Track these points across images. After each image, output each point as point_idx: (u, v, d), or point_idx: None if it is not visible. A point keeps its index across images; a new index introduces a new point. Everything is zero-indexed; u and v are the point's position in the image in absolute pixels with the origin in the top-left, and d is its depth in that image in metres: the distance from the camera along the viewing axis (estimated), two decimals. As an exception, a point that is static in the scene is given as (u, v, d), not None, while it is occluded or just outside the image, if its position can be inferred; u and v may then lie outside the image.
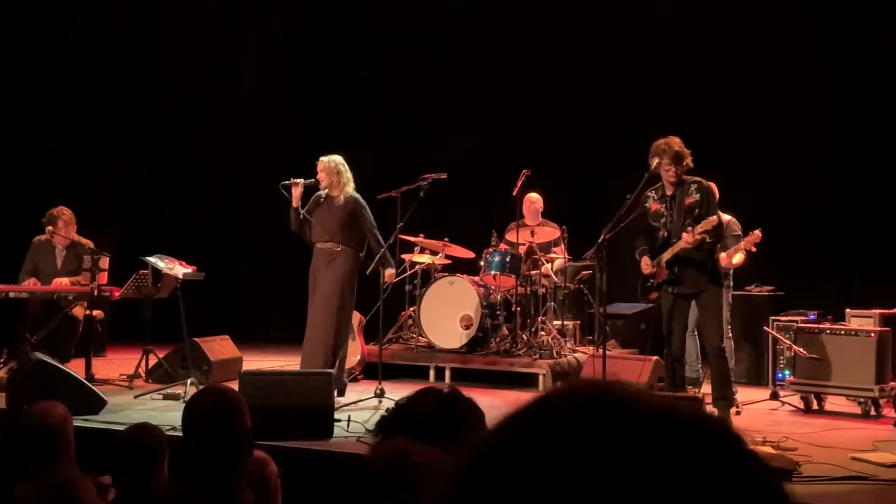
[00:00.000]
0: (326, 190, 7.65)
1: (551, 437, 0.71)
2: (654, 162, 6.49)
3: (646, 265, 6.54)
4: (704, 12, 10.28)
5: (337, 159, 7.67)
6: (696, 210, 6.38)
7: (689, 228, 6.27)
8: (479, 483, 0.72)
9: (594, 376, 6.85)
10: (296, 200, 7.63)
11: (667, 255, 6.46)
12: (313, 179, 7.65)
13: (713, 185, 6.98)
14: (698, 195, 6.42)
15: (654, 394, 0.77)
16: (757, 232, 7.47)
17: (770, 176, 9.74)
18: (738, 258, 7.76)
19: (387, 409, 2.28)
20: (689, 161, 6.43)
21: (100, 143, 11.93)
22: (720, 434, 0.73)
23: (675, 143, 6.41)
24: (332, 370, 6.85)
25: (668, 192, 6.52)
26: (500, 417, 0.78)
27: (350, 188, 7.64)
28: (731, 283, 8.17)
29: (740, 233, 7.80)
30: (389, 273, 7.68)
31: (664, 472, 0.68)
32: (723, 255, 7.55)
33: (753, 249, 7.61)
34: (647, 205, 6.61)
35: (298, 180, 7.62)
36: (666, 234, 6.52)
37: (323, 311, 7.50)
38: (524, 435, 0.74)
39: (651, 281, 6.60)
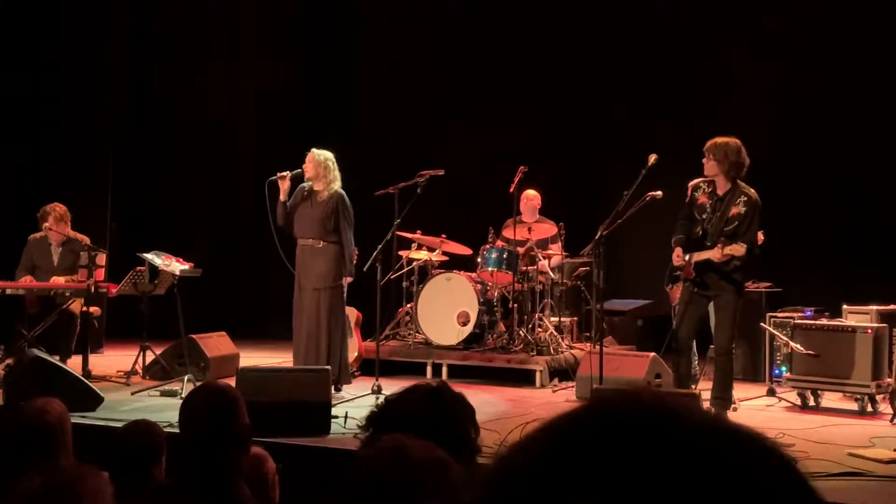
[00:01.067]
0: (311, 183, 7.61)
1: (607, 446, 0.71)
2: (652, 158, 6.49)
3: (677, 256, 6.41)
4: (705, 8, 10.27)
5: (327, 154, 7.62)
6: (737, 223, 6.27)
7: (721, 243, 6.16)
8: (531, 486, 0.72)
9: (590, 374, 6.86)
10: (283, 194, 7.59)
11: (697, 258, 6.34)
12: (299, 170, 7.60)
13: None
14: (744, 209, 6.29)
15: (694, 406, 0.78)
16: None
17: (766, 172, 9.72)
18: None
19: (376, 405, 2.28)
20: (743, 166, 6.30)
21: (96, 138, 11.90)
22: (762, 444, 0.74)
23: (718, 148, 6.29)
24: (327, 367, 6.84)
25: (720, 192, 6.38)
26: (543, 425, 0.78)
27: (336, 185, 7.58)
28: None
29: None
30: (346, 281, 7.54)
31: (715, 481, 0.69)
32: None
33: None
34: (697, 194, 6.46)
35: (285, 173, 7.57)
36: (702, 232, 6.40)
37: (314, 310, 7.48)
38: (577, 443, 0.73)
39: (679, 272, 6.54)
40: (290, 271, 7.62)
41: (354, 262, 7.62)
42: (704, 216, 6.40)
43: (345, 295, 7.64)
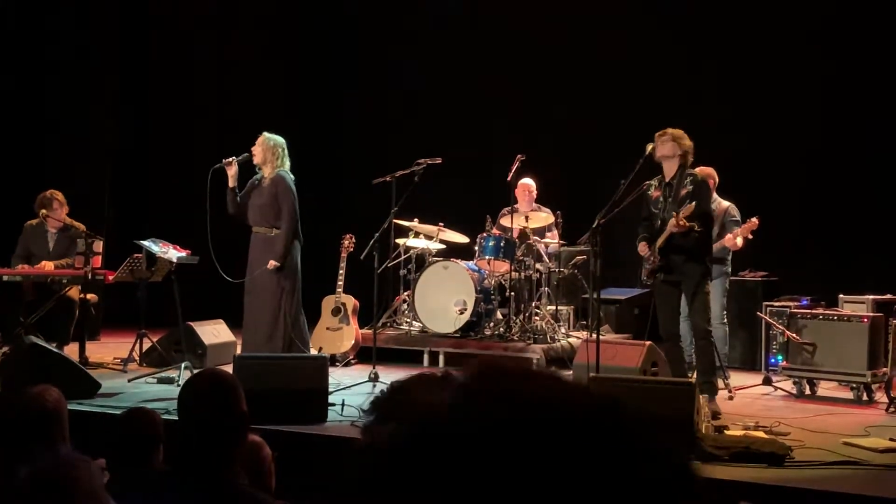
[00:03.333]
0: (262, 172, 7.46)
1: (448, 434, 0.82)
2: (649, 147, 6.58)
3: (643, 248, 6.72)
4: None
5: (277, 139, 7.46)
6: (688, 200, 6.50)
7: (675, 213, 6.39)
8: (389, 468, 0.83)
9: (587, 362, 6.87)
10: (232, 180, 7.42)
11: (659, 242, 6.58)
12: (246, 154, 7.44)
13: (712, 172, 7.12)
14: (692, 186, 6.57)
15: (544, 376, 0.82)
16: (754, 219, 7.52)
17: (763, 161, 9.74)
18: (739, 240, 7.82)
19: (380, 391, 2.28)
20: (690, 154, 6.61)
21: (92, 125, 11.88)
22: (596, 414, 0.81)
23: (677, 135, 6.58)
24: (325, 355, 6.84)
25: (667, 179, 6.67)
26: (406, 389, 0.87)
27: (282, 170, 7.35)
28: (730, 270, 8.20)
29: (738, 217, 7.85)
30: (270, 264, 7.24)
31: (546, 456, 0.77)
32: (728, 236, 7.62)
33: (750, 236, 7.65)
34: (650, 192, 6.74)
35: (230, 159, 7.40)
36: (660, 222, 6.66)
37: (260, 297, 7.29)
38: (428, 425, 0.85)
39: (650, 265, 6.68)
40: (237, 265, 7.44)
41: (288, 250, 7.30)
42: (659, 206, 6.67)
43: (296, 277, 7.37)
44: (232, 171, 7.42)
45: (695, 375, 6.72)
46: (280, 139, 7.50)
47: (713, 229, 7.07)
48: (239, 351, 7.56)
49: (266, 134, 7.51)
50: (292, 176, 7.44)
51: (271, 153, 7.40)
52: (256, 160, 7.45)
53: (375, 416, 2.17)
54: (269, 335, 7.26)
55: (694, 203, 6.38)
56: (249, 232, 7.55)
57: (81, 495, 2.03)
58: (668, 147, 6.58)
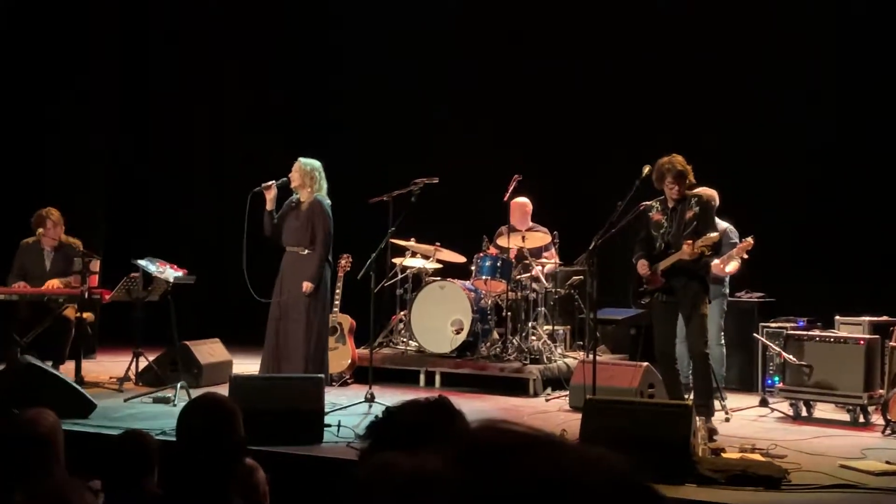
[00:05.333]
0: (298, 194, 7.68)
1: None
2: (646, 169, 6.59)
3: (643, 266, 6.67)
4: (698, 18, 10.30)
5: (314, 164, 7.70)
6: (695, 223, 6.52)
7: (690, 241, 6.39)
8: None
9: (584, 383, 6.86)
10: (270, 203, 7.65)
11: (664, 264, 6.55)
12: (284, 178, 7.66)
13: (715, 195, 7.15)
14: (697, 208, 6.58)
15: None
16: (749, 239, 7.53)
17: (760, 182, 9.76)
18: (731, 266, 7.81)
19: (376, 415, 2.28)
20: (691, 178, 6.61)
21: (89, 143, 11.89)
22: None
23: (678, 162, 6.57)
24: (321, 375, 6.82)
25: (671, 206, 6.67)
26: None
27: (319, 194, 7.64)
28: (728, 291, 8.21)
29: (737, 240, 7.84)
30: (306, 287, 7.51)
31: None
32: (716, 261, 7.59)
33: (746, 257, 7.65)
34: (651, 214, 6.73)
35: (270, 183, 7.61)
36: (663, 245, 6.64)
37: (292, 317, 7.51)
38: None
39: (644, 286, 6.68)
40: (259, 284, 7.57)
41: (321, 274, 7.58)
42: (662, 231, 6.68)
43: (326, 300, 7.69)
44: (270, 195, 7.62)
45: (691, 397, 6.71)
46: (316, 163, 7.71)
47: None
48: (258, 371, 7.62)
49: (301, 159, 7.72)
50: (329, 201, 7.69)
51: (309, 177, 7.62)
52: (294, 184, 7.66)
53: (371, 442, 2.16)
54: (304, 356, 7.45)
55: (715, 235, 6.41)
56: (271, 252, 7.72)
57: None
58: (675, 192, 6.56)
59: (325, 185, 7.69)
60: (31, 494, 1.99)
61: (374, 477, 1.83)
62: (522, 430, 0.85)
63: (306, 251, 7.60)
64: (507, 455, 0.80)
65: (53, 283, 8.35)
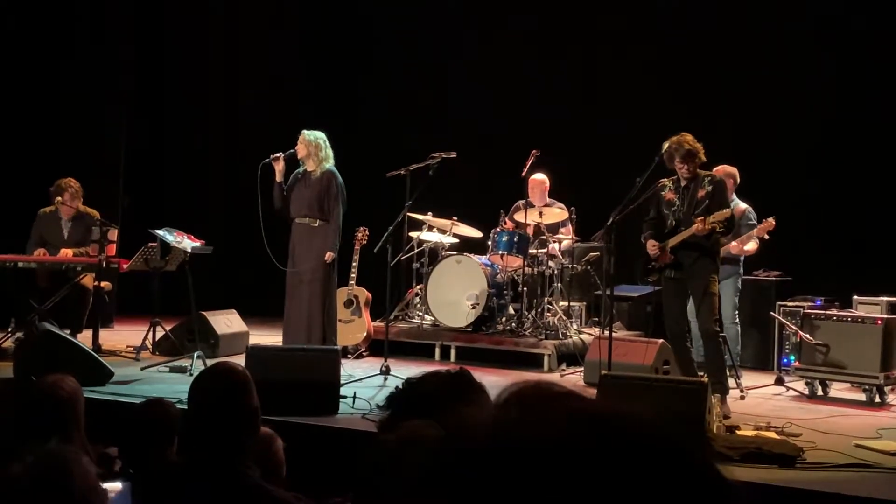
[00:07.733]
0: (304, 165, 7.72)
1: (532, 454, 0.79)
2: (666, 145, 6.54)
3: (652, 246, 6.68)
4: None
5: (318, 134, 7.75)
6: (707, 201, 6.50)
7: (703, 217, 6.36)
8: (465, 477, 0.79)
9: (599, 359, 6.86)
10: (279, 175, 7.71)
11: (673, 241, 6.56)
12: (291, 150, 7.71)
13: (735, 172, 7.11)
14: (710, 187, 6.56)
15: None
16: (770, 220, 7.49)
17: (778, 162, 9.70)
18: (750, 245, 7.80)
19: (396, 386, 2.28)
20: (701, 156, 6.56)
21: (107, 113, 11.90)
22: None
23: (686, 141, 6.52)
24: (336, 346, 6.86)
25: (683, 184, 6.64)
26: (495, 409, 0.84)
27: (328, 164, 7.68)
28: (742, 270, 8.18)
29: (755, 221, 7.81)
30: (328, 256, 7.60)
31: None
32: (734, 242, 7.58)
33: (766, 237, 7.62)
34: (663, 193, 6.70)
35: (278, 154, 7.67)
36: (674, 222, 6.63)
37: (307, 288, 7.56)
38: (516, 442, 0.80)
39: (653, 263, 6.69)
40: (274, 256, 7.60)
41: (338, 243, 7.67)
42: (674, 209, 6.66)
43: (335, 272, 7.73)
44: (279, 167, 7.68)
45: (704, 374, 6.70)
46: (320, 133, 7.77)
47: None
48: (281, 341, 7.69)
49: (305, 131, 7.77)
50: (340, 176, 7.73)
51: (314, 147, 7.67)
52: (300, 155, 7.70)
53: (391, 412, 2.17)
54: (321, 325, 7.54)
55: (728, 210, 6.39)
56: (281, 224, 7.74)
57: (75, 490, 2.03)
58: (686, 170, 6.53)
59: (331, 154, 7.73)
60: (29, 464, 1.99)
61: (404, 444, 1.84)
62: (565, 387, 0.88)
63: (318, 222, 7.62)
64: (557, 399, 0.81)
65: (67, 253, 8.39)
